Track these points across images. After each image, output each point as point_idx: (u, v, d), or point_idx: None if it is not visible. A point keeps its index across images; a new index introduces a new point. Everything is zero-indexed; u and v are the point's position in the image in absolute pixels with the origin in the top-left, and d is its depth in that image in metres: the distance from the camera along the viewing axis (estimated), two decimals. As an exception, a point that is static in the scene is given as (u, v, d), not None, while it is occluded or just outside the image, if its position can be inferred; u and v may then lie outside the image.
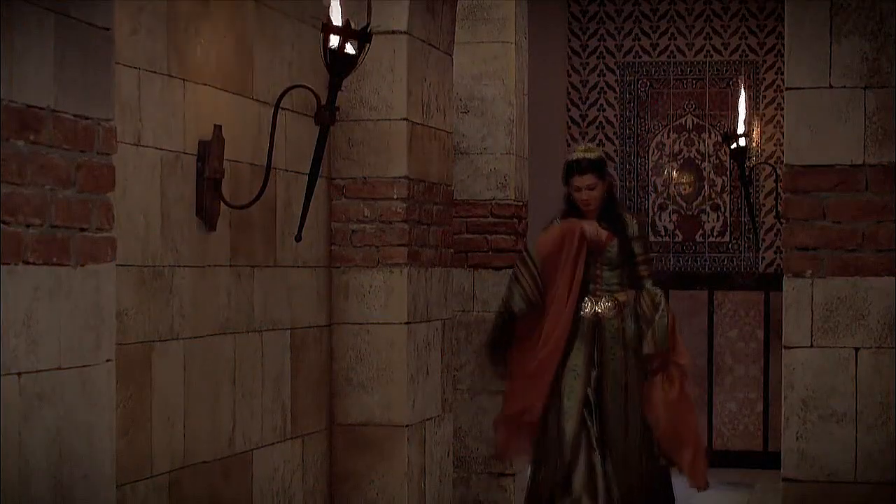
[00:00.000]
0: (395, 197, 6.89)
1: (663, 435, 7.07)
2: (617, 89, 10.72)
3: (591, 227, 7.09)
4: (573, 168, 7.13)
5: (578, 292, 7.08)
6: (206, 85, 5.68)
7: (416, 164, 7.01)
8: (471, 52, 8.67)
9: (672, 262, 10.66)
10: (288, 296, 6.46)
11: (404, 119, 6.90)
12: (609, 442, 7.01)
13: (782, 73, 7.77)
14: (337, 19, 5.52)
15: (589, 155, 7.15)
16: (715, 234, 10.63)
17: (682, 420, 7.16)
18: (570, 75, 10.77)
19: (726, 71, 10.58)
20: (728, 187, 10.60)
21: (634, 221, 7.20)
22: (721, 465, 10.41)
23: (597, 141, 10.73)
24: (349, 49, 5.56)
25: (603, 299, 7.11)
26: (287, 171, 6.40)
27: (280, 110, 5.85)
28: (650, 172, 10.70)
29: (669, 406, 7.11)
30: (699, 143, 10.64)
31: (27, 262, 3.83)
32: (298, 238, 5.97)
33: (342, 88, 5.71)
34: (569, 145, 10.72)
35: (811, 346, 5.71)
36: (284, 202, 6.38)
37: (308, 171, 5.82)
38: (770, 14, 10.52)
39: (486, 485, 8.61)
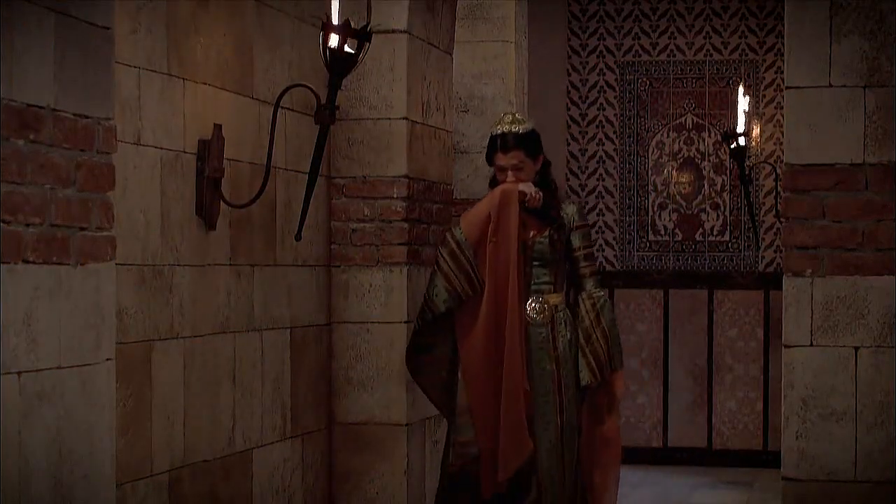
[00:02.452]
0: (395, 196, 6.89)
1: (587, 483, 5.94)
2: (617, 88, 10.72)
3: (528, 189, 5.83)
4: (495, 144, 5.91)
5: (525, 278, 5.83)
6: (205, 84, 5.68)
7: (415, 163, 7.01)
8: (471, 52, 8.68)
9: (672, 262, 10.66)
10: (288, 295, 6.46)
11: (404, 118, 6.91)
12: (542, 484, 5.80)
13: (782, 72, 7.77)
14: (337, 18, 5.52)
15: (515, 128, 5.90)
16: (715, 233, 10.63)
17: (609, 470, 5.98)
18: (569, 74, 10.77)
19: (726, 70, 10.58)
20: (728, 186, 10.60)
21: (573, 208, 5.95)
22: (721, 464, 10.42)
23: (597, 140, 10.74)
24: (349, 48, 5.56)
25: (530, 301, 5.86)
26: (287, 170, 6.41)
27: (280, 109, 5.85)
28: (650, 171, 10.69)
29: (602, 447, 5.94)
30: (699, 142, 10.64)
31: (27, 262, 3.83)
32: (298, 237, 5.97)
33: (342, 87, 5.71)
34: (569, 144, 10.72)
35: (811, 345, 5.71)
36: (284, 201, 6.38)
37: (308, 170, 5.82)
38: (770, 13, 10.52)
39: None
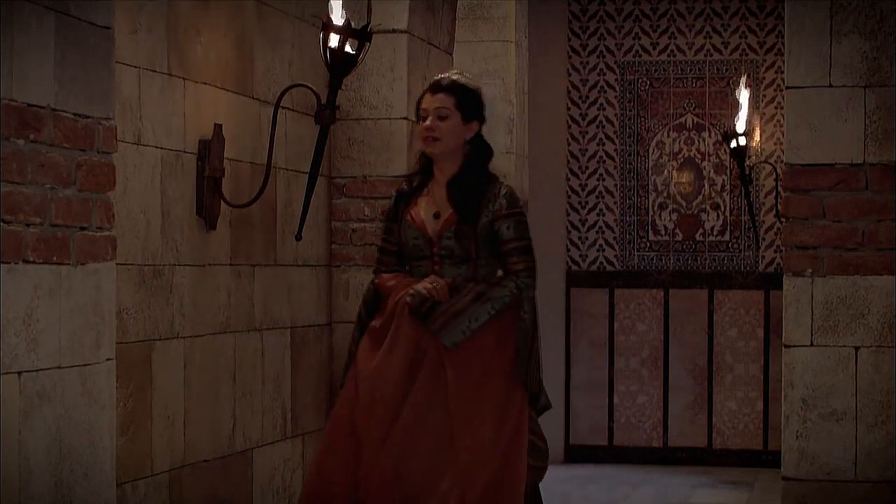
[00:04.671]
0: (396, 196, 6.89)
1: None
2: (617, 88, 10.72)
3: (423, 289, 4.84)
4: (426, 89, 5.02)
5: None
6: (206, 84, 5.68)
7: (416, 163, 7.01)
8: (471, 51, 8.68)
9: (672, 261, 10.66)
10: (288, 295, 6.46)
11: (404, 118, 6.91)
12: None
13: (782, 72, 7.78)
14: (337, 18, 5.52)
15: (455, 77, 5.00)
16: (715, 233, 10.62)
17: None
18: (570, 74, 10.77)
19: (726, 70, 10.58)
20: (728, 186, 10.60)
21: (503, 192, 4.90)
22: (721, 464, 10.42)
23: (597, 140, 10.73)
24: (349, 48, 5.57)
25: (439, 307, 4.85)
26: (287, 169, 6.41)
27: (280, 109, 5.85)
28: (650, 171, 10.69)
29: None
30: (699, 142, 10.64)
31: (27, 261, 3.83)
32: (299, 237, 5.97)
33: (342, 87, 5.71)
34: (569, 144, 10.72)
35: (811, 344, 5.70)
36: (285, 201, 6.38)
37: (308, 170, 5.82)
38: (770, 13, 10.52)
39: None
